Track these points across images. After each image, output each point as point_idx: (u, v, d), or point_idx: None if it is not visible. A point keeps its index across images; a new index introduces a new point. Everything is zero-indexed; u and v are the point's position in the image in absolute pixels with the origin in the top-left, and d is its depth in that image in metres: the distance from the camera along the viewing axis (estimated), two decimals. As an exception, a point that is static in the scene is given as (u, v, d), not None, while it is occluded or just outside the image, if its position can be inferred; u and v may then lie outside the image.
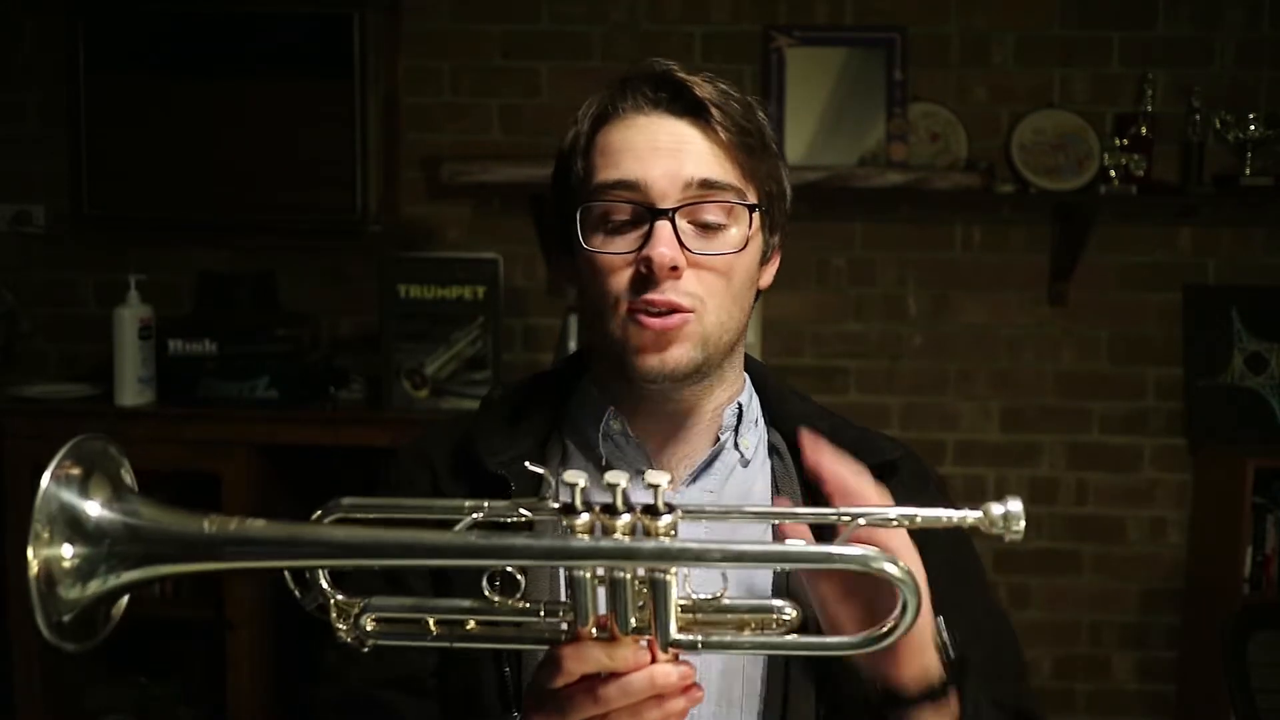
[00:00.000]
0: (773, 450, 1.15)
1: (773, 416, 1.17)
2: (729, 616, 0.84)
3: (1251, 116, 2.88)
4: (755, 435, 1.15)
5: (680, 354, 1.04)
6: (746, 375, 1.17)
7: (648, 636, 0.82)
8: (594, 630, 0.82)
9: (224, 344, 2.76)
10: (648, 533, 0.80)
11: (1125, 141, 2.89)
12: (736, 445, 1.12)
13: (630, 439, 1.10)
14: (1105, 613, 3.10)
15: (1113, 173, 2.86)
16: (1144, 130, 2.90)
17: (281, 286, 3.00)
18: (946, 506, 1.14)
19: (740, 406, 1.13)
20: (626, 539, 0.79)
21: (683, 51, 3.01)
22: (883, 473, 1.12)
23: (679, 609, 0.82)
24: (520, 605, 0.84)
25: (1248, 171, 2.87)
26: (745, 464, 1.12)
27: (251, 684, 2.72)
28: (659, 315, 1.03)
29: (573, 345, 2.80)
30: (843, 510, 0.85)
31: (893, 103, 2.96)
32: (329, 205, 2.97)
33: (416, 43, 3.04)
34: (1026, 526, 0.83)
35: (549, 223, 1.17)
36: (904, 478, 1.13)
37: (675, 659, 0.83)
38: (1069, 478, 3.07)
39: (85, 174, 2.99)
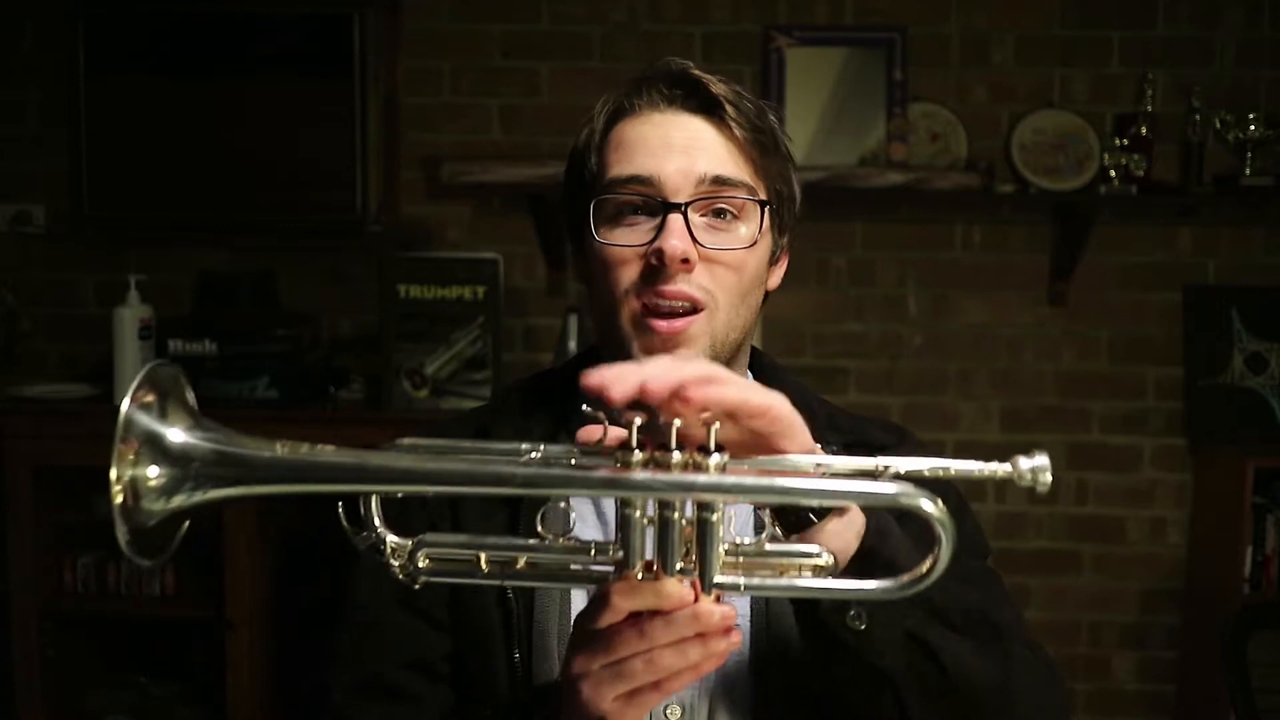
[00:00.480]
0: None
1: None
2: (769, 561, 0.86)
3: (1251, 116, 2.88)
4: None
5: (688, 357, 1.04)
6: (749, 370, 1.18)
7: (691, 578, 0.84)
8: (641, 573, 0.84)
9: (224, 344, 2.76)
10: (701, 469, 0.82)
11: (1125, 141, 2.89)
12: None
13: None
14: (1105, 613, 3.10)
15: (1113, 173, 2.86)
16: (1144, 130, 2.90)
17: (281, 286, 3.00)
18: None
19: None
20: (681, 474, 0.81)
21: (683, 51, 2.97)
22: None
23: (723, 551, 0.84)
24: (570, 544, 0.86)
25: (1248, 171, 2.87)
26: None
27: (251, 684, 2.72)
28: (668, 316, 1.04)
29: (573, 345, 2.80)
30: (880, 460, 0.86)
31: (893, 103, 2.96)
32: (329, 205, 2.96)
33: (416, 43, 3.05)
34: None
35: (563, 218, 1.17)
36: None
37: (717, 600, 0.85)
38: (1069, 478, 3.07)
39: (85, 174, 2.99)
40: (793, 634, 1.03)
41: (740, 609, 1.06)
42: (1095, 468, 3.07)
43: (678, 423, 0.81)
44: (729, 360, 1.10)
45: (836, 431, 1.14)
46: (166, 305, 2.91)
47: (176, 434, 0.79)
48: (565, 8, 3.02)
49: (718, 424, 0.82)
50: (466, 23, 3.04)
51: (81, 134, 2.98)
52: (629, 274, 1.05)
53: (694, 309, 1.05)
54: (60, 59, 3.00)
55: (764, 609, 1.08)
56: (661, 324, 1.04)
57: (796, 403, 1.14)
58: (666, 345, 1.04)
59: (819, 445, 0.89)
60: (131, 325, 2.76)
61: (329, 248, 3.07)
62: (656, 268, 1.03)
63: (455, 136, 3.05)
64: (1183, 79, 2.96)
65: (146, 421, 0.77)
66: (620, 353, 1.07)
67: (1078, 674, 3.09)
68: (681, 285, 1.03)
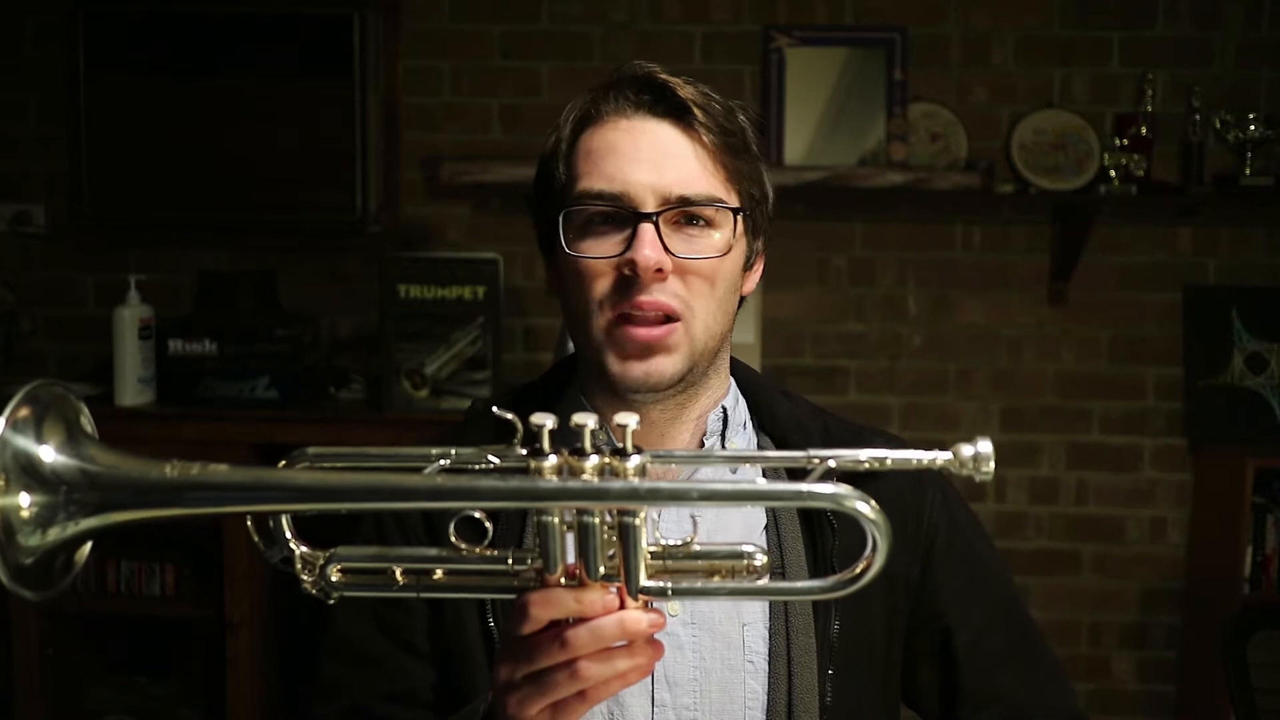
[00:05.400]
0: None
1: (762, 421, 1.16)
2: (699, 563, 0.83)
3: (1251, 116, 2.88)
4: (743, 439, 1.14)
5: (666, 364, 1.04)
6: (732, 379, 1.16)
7: (617, 584, 0.81)
8: (563, 579, 0.81)
9: (224, 344, 2.76)
10: (616, 474, 0.78)
11: (1125, 141, 2.89)
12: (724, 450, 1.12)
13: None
14: (1105, 613, 3.10)
15: (1113, 173, 2.86)
16: (1144, 130, 2.90)
17: (281, 286, 3.00)
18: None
19: (725, 410, 1.12)
20: (595, 480, 0.77)
21: (683, 51, 3.01)
22: (874, 470, 1.13)
23: (648, 555, 0.81)
24: (488, 553, 0.83)
25: (1248, 171, 2.87)
26: (734, 469, 1.11)
27: (251, 684, 2.72)
28: (645, 325, 1.03)
29: (572, 346, 2.79)
30: (812, 452, 0.84)
31: (893, 103, 2.96)
32: (329, 205, 2.96)
33: (416, 43, 3.04)
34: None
35: (534, 227, 1.16)
36: (897, 474, 1.14)
37: (645, 606, 0.82)
38: (1069, 478, 3.07)
39: (85, 174, 2.99)
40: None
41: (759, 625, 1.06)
42: (1095, 468, 3.07)
43: (591, 425, 0.79)
44: (706, 367, 1.08)
45: (830, 445, 1.12)
46: (166, 305, 2.91)
47: (48, 454, 0.72)
48: (565, 8, 3.02)
49: (634, 423, 0.80)
50: (466, 23, 3.04)
51: (81, 134, 2.98)
52: (602, 285, 1.04)
53: (670, 318, 1.03)
54: (60, 59, 3.00)
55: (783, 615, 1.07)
56: (639, 331, 1.02)
57: (786, 419, 1.14)
58: (644, 353, 1.03)
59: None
60: (131, 325, 2.75)
61: (329, 248, 3.07)
62: (630, 278, 1.02)
63: (455, 136, 3.05)
64: (1183, 79, 2.96)
65: (18, 443, 0.71)
66: (595, 360, 1.06)
67: (1078, 674, 3.09)
68: (657, 295, 1.02)
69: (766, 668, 1.05)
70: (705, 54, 3.01)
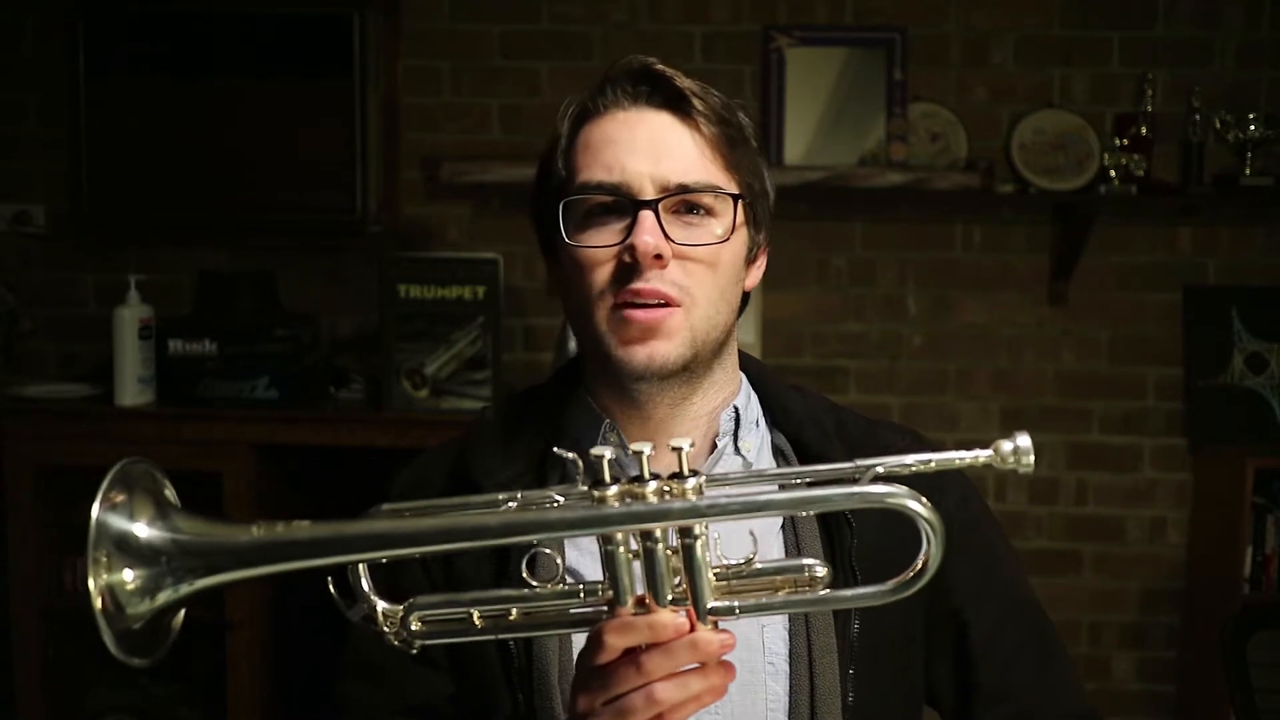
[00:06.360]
0: (777, 452, 1.12)
1: (774, 418, 1.14)
2: (761, 579, 0.85)
3: (1251, 116, 2.88)
4: (756, 437, 1.12)
5: (668, 349, 1.02)
6: (743, 376, 1.14)
7: (685, 607, 0.83)
8: (633, 608, 0.84)
9: (224, 344, 2.76)
10: (675, 495, 0.82)
11: (1125, 141, 2.89)
12: (738, 450, 1.10)
13: (628, 450, 1.09)
14: (1105, 613, 3.10)
15: (1113, 173, 2.86)
16: (1144, 130, 2.90)
17: (281, 286, 3.00)
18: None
19: (737, 410, 1.11)
20: (657, 501, 0.81)
21: (683, 51, 3.01)
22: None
23: (712, 578, 0.84)
24: (561, 589, 0.87)
25: (1248, 171, 2.87)
26: (749, 467, 1.10)
27: (251, 684, 2.72)
28: (645, 308, 1.01)
29: (573, 346, 2.79)
30: (859, 461, 0.86)
31: (893, 103, 2.96)
32: (329, 205, 2.96)
33: (416, 43, 3.04)
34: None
35: (534, 227, 1.16)
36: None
37: (714, 627, 0.84)
38: (1069, 478, 3.07)
39: (85, 174, 2.99)
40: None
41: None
42: (1095, 468, 3.07)
43: (648, 452, 0.82)
44: (711, 360, 1.07)
45: (845, 440, 1.11)
46: (166, 305, 2.91)
47: (142, 530, 0.79)
48: (565, 8, 3.02)
49: (688, 446, 0.83)
50: (466, 23, 3.04)
51: (81, 134, 2.98)
52: (603, 274, 1.03)
53: (669, 305, 1.02)
54: (60, 59, 3.00)
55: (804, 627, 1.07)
56: (638, 313, 1.01)
57: (799, 414, 1.14)
58: (645, 335, 1.02)
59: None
60: (131, 325, 2.75)
61: (329, 248, 3.07)
62: (630, 265, 1.01)
63: (455, 136, 3.05)
64: (1183, 79, 2.96)
65: (116, 523, 0.78)
66: (598, 350, 1.05)
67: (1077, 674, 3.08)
68: (655, 283, 1.01)
69: (788, 669, 1.04)
70: (705, 54, 3.01)
